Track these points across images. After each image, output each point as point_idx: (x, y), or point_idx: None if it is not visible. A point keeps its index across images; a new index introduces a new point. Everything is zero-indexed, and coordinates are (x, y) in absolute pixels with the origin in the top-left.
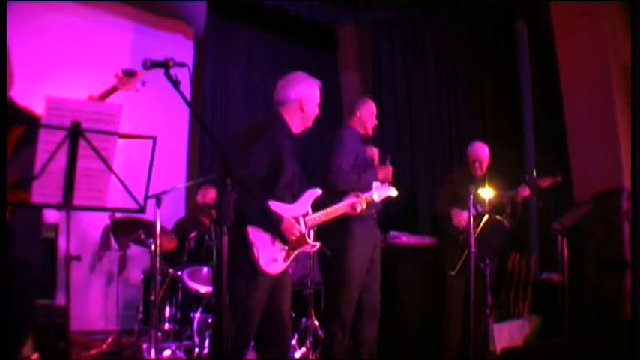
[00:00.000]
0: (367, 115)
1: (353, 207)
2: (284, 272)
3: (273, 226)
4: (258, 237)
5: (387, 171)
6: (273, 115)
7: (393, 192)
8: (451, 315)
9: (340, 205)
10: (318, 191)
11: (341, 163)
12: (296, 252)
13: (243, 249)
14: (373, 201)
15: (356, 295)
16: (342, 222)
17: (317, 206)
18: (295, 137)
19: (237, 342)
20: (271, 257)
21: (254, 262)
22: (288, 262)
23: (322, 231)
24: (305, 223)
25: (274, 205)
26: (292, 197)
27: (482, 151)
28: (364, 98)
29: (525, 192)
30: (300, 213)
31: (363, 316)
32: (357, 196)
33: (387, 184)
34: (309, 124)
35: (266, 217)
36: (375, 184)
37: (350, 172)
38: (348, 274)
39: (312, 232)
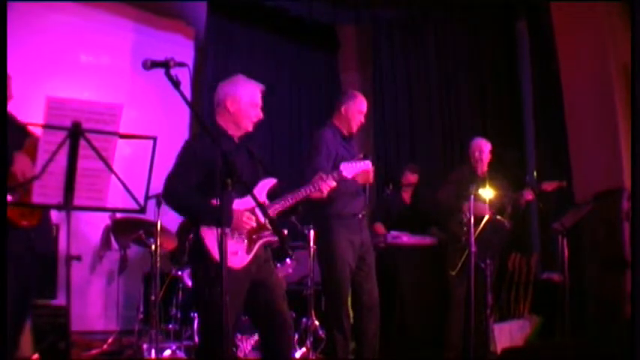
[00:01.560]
0: (353, 112)
1: (318, 188)
2: (265, 271)
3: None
4: (210, 234)
5: (365, 170)
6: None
7: (366, 164)
8: (453, 315)
9: (301, 188)
10: (272, 180)
11: (318, 166)
12: (260, 242)
13: (199, 251)
14: (344, 178)
15: (345, 293)
16: (324, 223)
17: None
18: (235, 138)
19: (212, 340)
20: (230, 250)
21: (210, 258)
22: (252, 253)
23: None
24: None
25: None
26: (240, 193)
27: (484, 145)
28: (352, 93)
29: (529, 196)
30: (255, 204)
31: (361, 316)
32: (321, 177)
33: (358, 160)
34: (245, 125)
35: (212, 214)
36: (344, 162)
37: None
38: (332, 273)
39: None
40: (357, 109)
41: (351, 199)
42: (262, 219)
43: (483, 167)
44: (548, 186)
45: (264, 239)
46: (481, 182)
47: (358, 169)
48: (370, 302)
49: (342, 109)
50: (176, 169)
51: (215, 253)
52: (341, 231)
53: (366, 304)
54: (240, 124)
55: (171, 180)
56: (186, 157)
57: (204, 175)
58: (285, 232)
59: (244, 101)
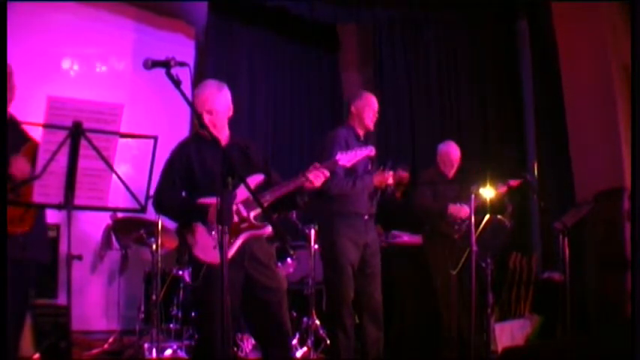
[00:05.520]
0: (363, 109)
1: (310, 179)
2: (265, 275)
3: (202, 216)
4: (191, 233)
5: (385, 176)
6: None
7: (369, 151)
8: (449, 312)
9: (291, 179)
10: (260, 177)
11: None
12: (244, 236)
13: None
14: (341, 167)
15: (348, 293)
16: (327, 220)
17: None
18: (210, 140)
19: (208, 339)
20: (210, 245)
21: (195, 258)
22: (235, 247)
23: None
24: (246, 208)
25: (203, 200)
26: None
27: (455, 150)
28: (361, 92)
29: (514, 182)
30: (239, 200)
31: (363, 321)
32: (315, 167)
33: (357, 149)
34: (219, 126)
35: (193, 211)
36: (341, 151)
37: (343, 176)
38: (335, 273)
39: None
40: (365, 104)
41: (357, 199)
42: (244, 213)
43: (453, 171)
44: (514, 182)
45: (246, 233)
46: (482, 183)
47: (358, 156)
48: (372, 306)
49: (352, 108)
50: (160, 182)
51: (196, 251)
52: (344, 229)
53: (367, 308)
54: (217, 126)
55: (157, 191)
56: (168, 169)
57: (190, 179)
58: (275, 216)
59: (204, 106)
